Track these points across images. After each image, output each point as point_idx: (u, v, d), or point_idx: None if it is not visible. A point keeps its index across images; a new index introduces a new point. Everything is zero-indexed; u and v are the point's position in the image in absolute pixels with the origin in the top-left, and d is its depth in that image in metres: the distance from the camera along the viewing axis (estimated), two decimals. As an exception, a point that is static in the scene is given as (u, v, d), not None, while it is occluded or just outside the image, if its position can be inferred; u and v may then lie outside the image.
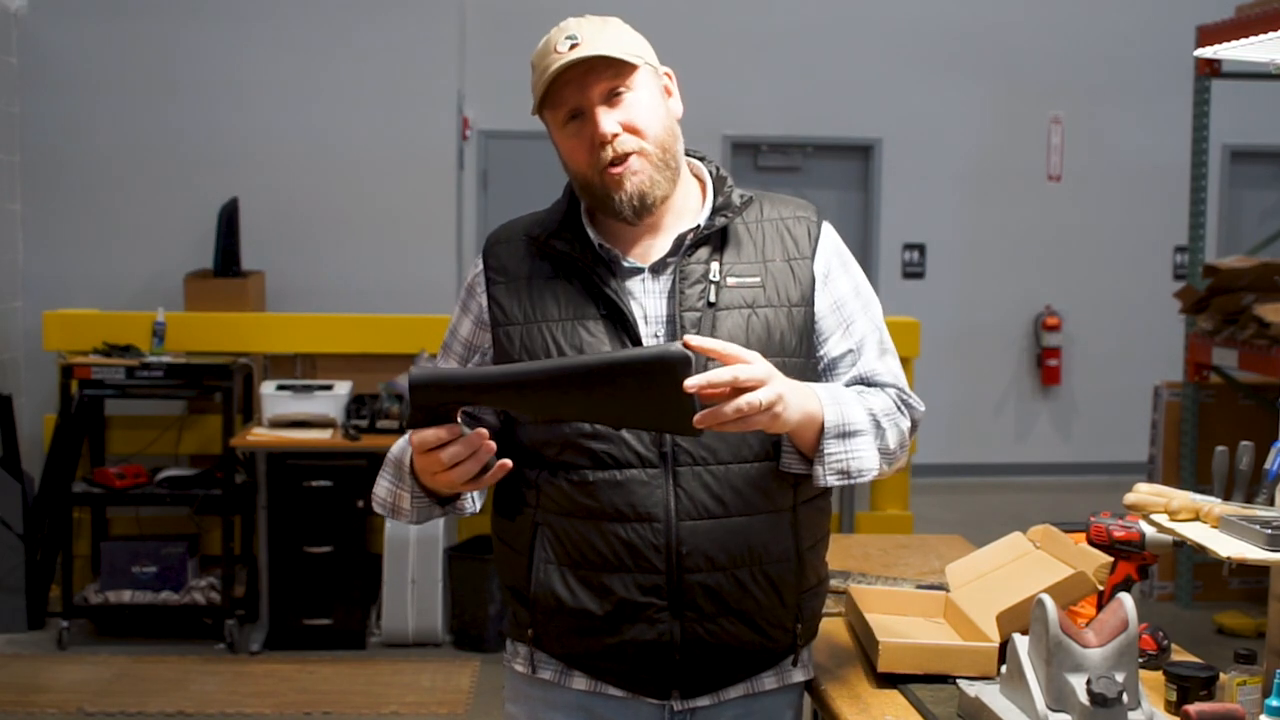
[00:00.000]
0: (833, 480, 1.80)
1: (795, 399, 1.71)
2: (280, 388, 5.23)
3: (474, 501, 1.87)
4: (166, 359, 5.29)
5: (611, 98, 1.82)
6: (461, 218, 7.50)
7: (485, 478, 1.69)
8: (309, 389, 5.25)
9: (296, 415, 5.18)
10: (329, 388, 5.26)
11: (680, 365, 1.58)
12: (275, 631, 5.14)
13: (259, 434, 5.15)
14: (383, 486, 1.89)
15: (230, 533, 5.33)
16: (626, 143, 1.81)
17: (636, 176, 1.82)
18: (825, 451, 1.78)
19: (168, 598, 5.21)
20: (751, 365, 1.65)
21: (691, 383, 1.58)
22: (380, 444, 5.09)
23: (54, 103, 6.73)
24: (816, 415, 1.76)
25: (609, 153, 1.81)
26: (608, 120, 1.80)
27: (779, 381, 1.68)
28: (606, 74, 1.81)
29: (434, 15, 7.07)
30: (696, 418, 1.61)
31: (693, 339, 1.63)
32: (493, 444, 1.67)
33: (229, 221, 6.21)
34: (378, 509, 1.90)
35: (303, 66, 6.92)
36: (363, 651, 5.15)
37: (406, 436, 1.82)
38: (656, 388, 1.59)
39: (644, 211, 1.84)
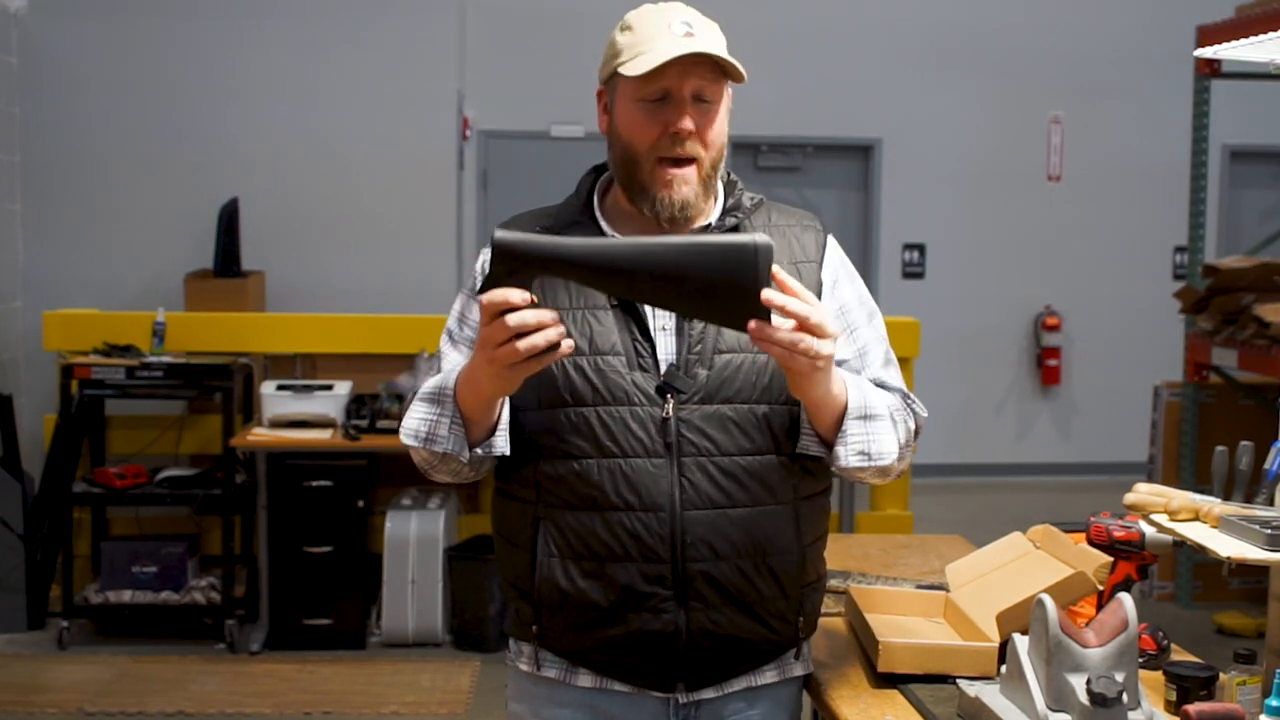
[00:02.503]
0: (854, 460, 1.81)
1: (834, 371, 1.75)
2: (280, 388, 5.23)
3: (505, 440, 1.84)
4: (166, 359, 5.29)
5: (700, 100, 1.85)
6: (461, 218, 7.51)
7: (545, 357, 1.64)
8: (309, 389, 5.25)
9: (296, 415, 5.18)
10: (329, 388, 5.26)
11: (764, 253, 1.59)
12: (275, 631, 5.14)
13: (259, 434, 5.15)
14: (415, 418, 1.84)
15: (230, 533, 5.33)
16: (693, 147, 1.84)
17: (686, 188, 1.85)
18: (847, 432, 1.81)
19: (168, 598, 5.22)
20: (825, 318, 1.66)
21: (781, 276, 1.61)
22: (380, 444, 5.09)
23: (54, 103, 6.73)
24: (841, 396, 1.79)
25: (677, 149, 1.83)
26: (690, 119, 1.83)
27: (834, 346, 1.70)
28: (708, 75, 1.84)
29: (434, 15, 7.07)
30: (752, 324, 1.61)
31: (777, 270, 1.63)
32: (562, 326, 1.64)
33: (229, 221, 6.22)
34: (408, 440, 1.84)
35: (303, 66, 6.93)
36: (363, 651, 5.15)
37: (443, 373, 1.84)
38: (734, 277, 1.60)
39: (677, 221, 1.87)
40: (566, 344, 1.63)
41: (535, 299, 1.62)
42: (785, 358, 1.66)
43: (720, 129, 1.88)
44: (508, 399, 1.83)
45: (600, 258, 1.62)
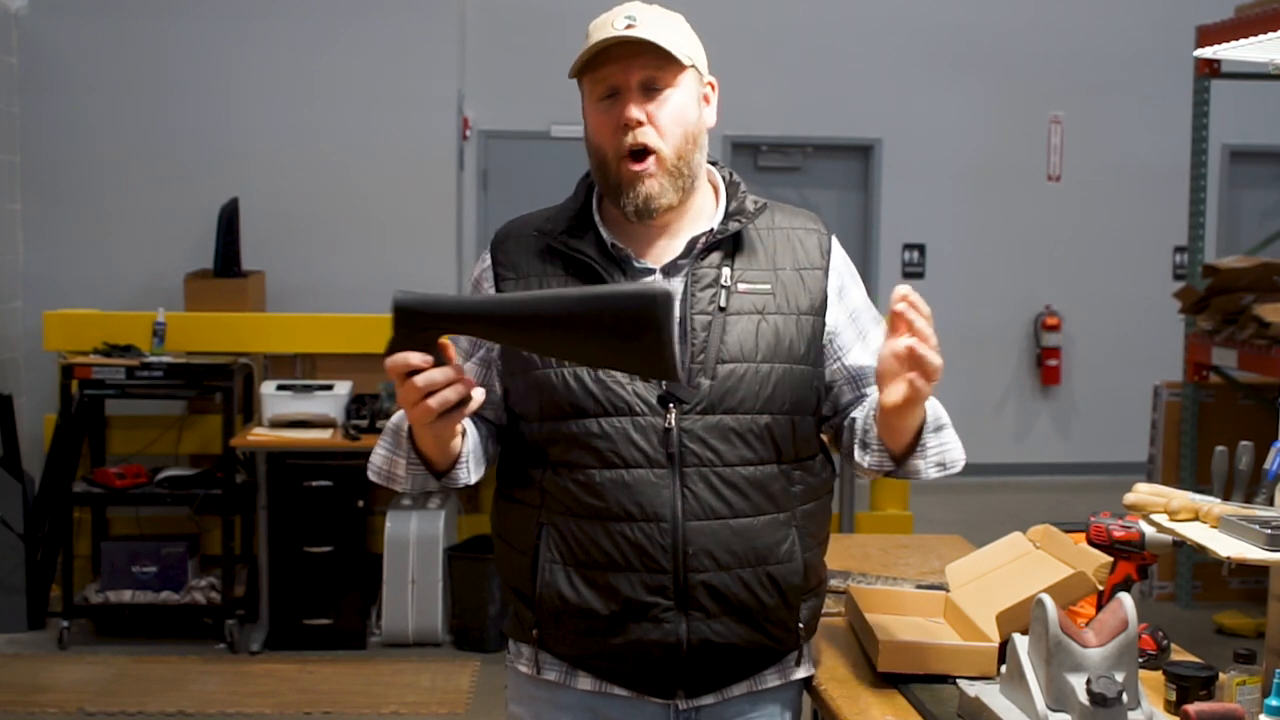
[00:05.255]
0: (934, 473, 1.84)
1: None
2: (280, 388, 5.23)
3: (469, 472, 1.85)
4: (166, 359, 5.29)
5: (649, 89, 1.83)
6: (461, 218, 7.51)
7: (459, 412, 1.65)
8: (309, 389, 5.25)
9: (296, 415, 5.18)
10: (329, 388, 5.26)
11: (661, 301, 1.55)
12: (275, 631, 5.13)
13: (259, 434, 5.15)
14: (379, 455, 1.88)
15: (230, 533, 5.33)
16: (647, 135, 1.83)
17: (650, 180, 1.83)
18: (927, 445, 1.83)
19: (168, 598, 5.21)
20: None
21: (914, 301, 1.65)
22: (380, 444, 5.09)
23: (54, 103, 6.73)
24: (923, 410, 1.80)
25: (630, 138, 1.82)
26: (636, 108, 1.82)
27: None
28: (652, 62, 1.82)
29: (434, 15, 7.07)
30: (907, 345, 1.65)
31: (907, 290, 1.69)
32: (471, 379, 1.66)
33: (229, 221, 6.21)
34: (372, 476, 1.89)
35: (303, 66, 6.93)
36: (363, 651, 5.15)
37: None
38: (636, 327, 1.56)
39: (646, 215, 1.85)
40: (477, 394, 1.66)
41: (439, 356, 1.62)
42: (915, 388, 1.69)
43: (677, 115, 1.84)
44: (478, 426, 1.88)
45: (498, 311, 1.63)
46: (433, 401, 1.63)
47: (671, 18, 1.87)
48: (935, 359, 1.68)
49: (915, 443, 1.82)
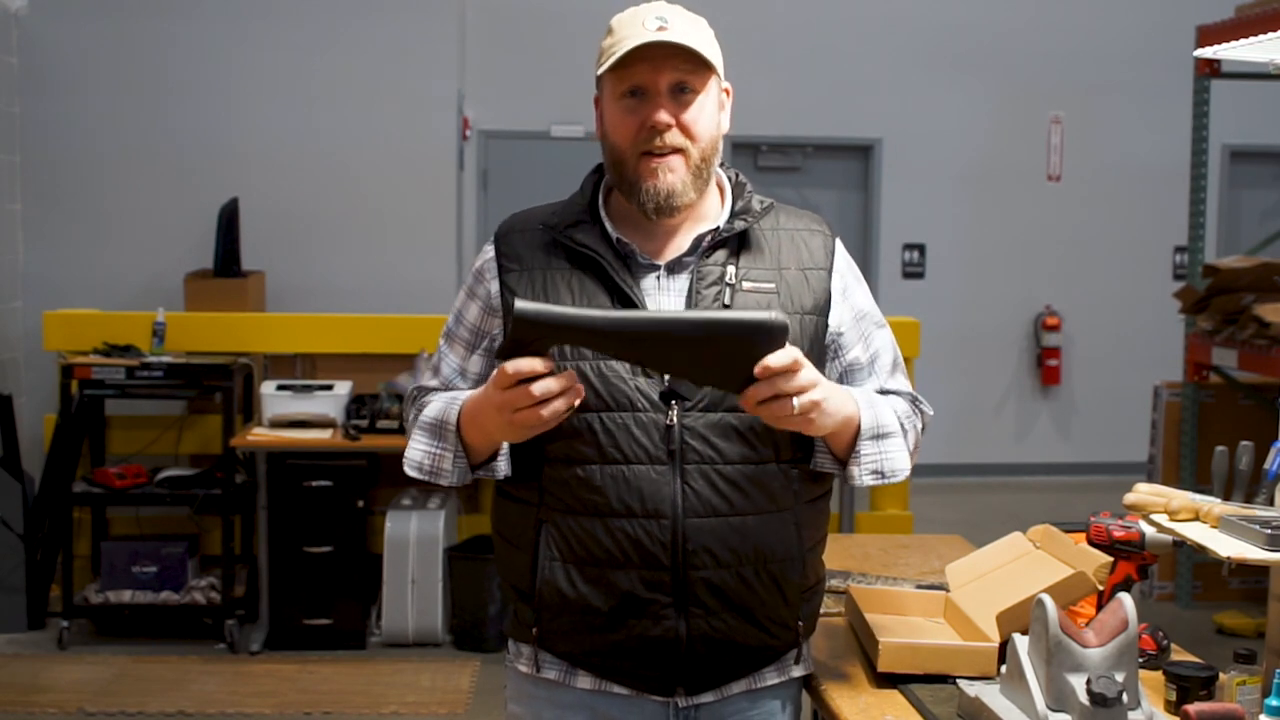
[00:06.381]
0: (868, 480, 1.85)
1: (833, 404, 1.76)
2: (280, 388, 5.23)
3: (508, 463, 1.87)
4: (166, 359, 5.28)
5: (679, 92, 1.84)
6: (461, 218, 7.51)
7: (561, 419, 1.69)
8: (309, 389, 5.25)
9: (296, 415, 5.18)
10: (329, 388, 5.26)
11: (779, 333, 1.63)
12: (275, 631, 5.13)
13: (259, 434, 5.14)
14: (418, 451, 1.88)
15: (230, 533, 5.33)
16: (675, 138, 1.83)
17: (671, 175, 1.84)
18: (861, 453, 1.84)
19: (168, 598, 5.21)
20: (799, 373, 1.68)
21: (774, 360, 1.63)
22: (380, 444, 5.09)
23: (54, 103, 6.74)
24: (854, 418, 1.82)
25: (657, 141, 1.82)
26: (666, 111, 1.83)
27: (822, 387, 1.72)
28: (684, 66, 1.83)
29: (434, 15, 7.07)
30: (757, 407, 1.66)
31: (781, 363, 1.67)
32: (580, 386, 1.69)
33: (229, 221, 6.22)
34: (412, 472, 1.89)
35: (303, 66, 6.93)
36: (363, 651, 5.15)
37: (443, 400, 1.86)
38: (745, 352, 1.63)
39: (665, 211, 1.85)
40: (578, 401, 1.69)
41: (554, 363, 1.66)
42: (783, 424, 1.70)
43: (705, 119, 1.85)
44: None
45: (622, 329, 1.64)
46: (545, 411, 1.65)
47: (698, 20, 1.87)
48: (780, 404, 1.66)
49: (851, 448, 1.84)
